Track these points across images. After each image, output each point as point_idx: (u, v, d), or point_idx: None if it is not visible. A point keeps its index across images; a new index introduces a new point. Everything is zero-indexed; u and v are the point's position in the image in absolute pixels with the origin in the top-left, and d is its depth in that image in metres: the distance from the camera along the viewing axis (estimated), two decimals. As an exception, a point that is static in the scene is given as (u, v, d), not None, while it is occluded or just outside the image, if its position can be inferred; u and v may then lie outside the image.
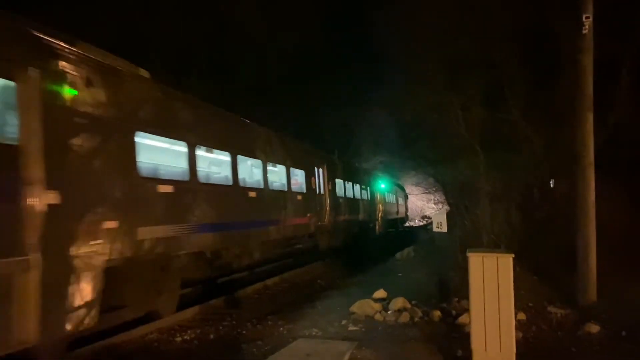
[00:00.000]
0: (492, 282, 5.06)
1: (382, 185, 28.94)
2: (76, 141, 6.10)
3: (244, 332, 7.94)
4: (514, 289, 5.08)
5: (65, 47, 6.19)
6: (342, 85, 32.47)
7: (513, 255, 5.09)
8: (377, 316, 8.12)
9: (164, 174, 8.45)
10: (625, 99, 11.15)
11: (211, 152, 10.15)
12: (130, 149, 7.24)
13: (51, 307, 5.46)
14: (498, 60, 11.89)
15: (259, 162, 11.80)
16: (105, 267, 6.35)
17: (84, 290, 6.00)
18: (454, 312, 7.89)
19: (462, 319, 7.26)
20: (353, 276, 13.37)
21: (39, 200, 5.39)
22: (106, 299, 6.44)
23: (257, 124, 12.23)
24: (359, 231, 21.83)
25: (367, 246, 18.69)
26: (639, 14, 10.54)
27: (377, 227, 26.40)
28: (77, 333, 6.07)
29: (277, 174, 13.30)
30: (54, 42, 6.03)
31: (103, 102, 6.59)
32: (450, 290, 8.79)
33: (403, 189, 42.07)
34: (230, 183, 10.28)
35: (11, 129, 5.30)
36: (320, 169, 16.37)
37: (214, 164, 11.01)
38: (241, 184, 10.82)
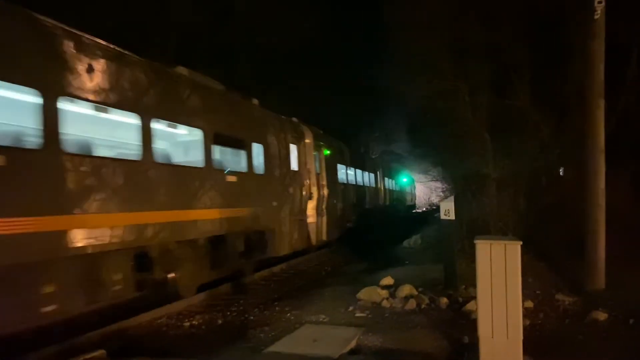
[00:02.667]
0: (499, 269, 5.03)
1: (404, 180, 39.40)
2: (328, 169, 15.95)
3: (251, 317, 7.99)
4: (522, 276, 5.06)
5: (319, 132, 16.16)
6: (348, 73, 32.49)
7: (521, 243, 5.05)
8: (384, 303, 8.11)
9: (340, 180, 18.03)
10: (634, 85, 11.01)
11: (349, 169, 19.84)
12: (336, 171, 17.37)
13: (317, 233, 14.74)
14: (505, 44, 11.73)
15: (360, 171, 22.09)
16: (327, 222, 15.63)
17: (323, 229, 15.35)
18: (460, 299, 7.87)
19: (469, 305, 7.23)
20: (360, 263, 13.40)
21: (321, 193, 15.03)
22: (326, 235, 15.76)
23: (362, 150, 24.45)
24: (395, 211, 32.16)
25: (379, 231, 21.73)
26: None
27: (402, 209, 37.41)
28: (318, 245, 15.47)
29: (367, 176, 23.55)
30: (321, 134, 16.44)
31: (331, 152, 16.50)
32: (457, 277, 8.77)
33: (413, 180, 44.31)
34: (354, 183, 20.71)
35: (316, 168, 14.98)
36: (379, 171, 26.96)
37: (350, 173, 20.05)
38: (358, 183, 21.36)
